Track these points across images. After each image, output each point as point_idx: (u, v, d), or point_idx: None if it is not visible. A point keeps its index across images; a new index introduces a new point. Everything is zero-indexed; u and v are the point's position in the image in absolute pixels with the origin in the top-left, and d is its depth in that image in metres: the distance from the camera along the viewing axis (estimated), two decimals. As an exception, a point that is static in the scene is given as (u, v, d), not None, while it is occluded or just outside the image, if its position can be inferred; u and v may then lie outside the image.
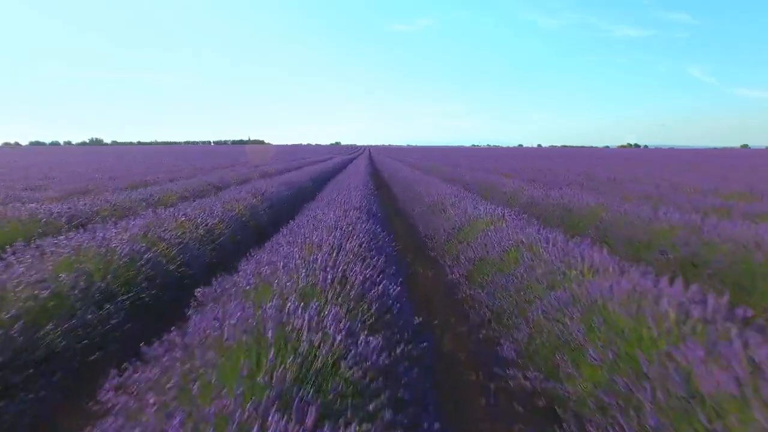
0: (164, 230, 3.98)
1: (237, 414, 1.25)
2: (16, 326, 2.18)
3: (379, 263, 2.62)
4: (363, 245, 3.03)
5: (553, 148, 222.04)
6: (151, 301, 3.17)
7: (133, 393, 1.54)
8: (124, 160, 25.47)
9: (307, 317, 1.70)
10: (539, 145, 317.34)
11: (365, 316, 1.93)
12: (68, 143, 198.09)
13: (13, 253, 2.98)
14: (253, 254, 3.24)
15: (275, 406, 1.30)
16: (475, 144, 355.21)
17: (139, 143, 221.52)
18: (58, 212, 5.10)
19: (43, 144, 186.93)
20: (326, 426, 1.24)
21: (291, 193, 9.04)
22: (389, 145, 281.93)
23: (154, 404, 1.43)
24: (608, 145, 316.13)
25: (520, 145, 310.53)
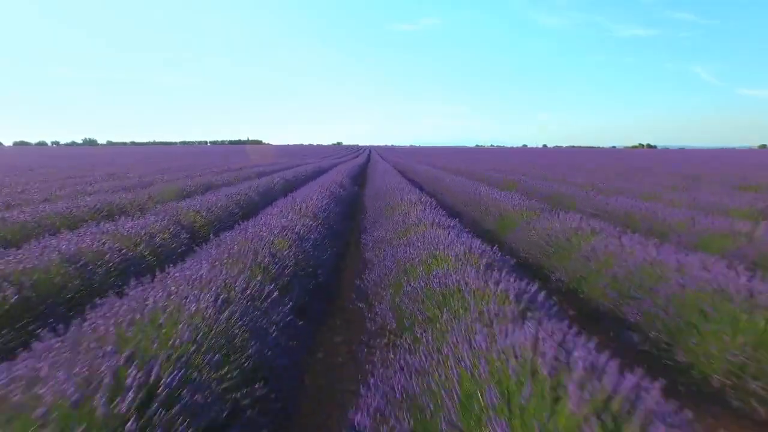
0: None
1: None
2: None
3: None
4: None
5: (558, 148, 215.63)
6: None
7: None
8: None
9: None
10: (544, 146, 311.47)
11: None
12: (56, 143, 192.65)
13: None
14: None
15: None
16: (479, 144, 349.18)
17: (133, 143, 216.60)
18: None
19: (28, 144, 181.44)
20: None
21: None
22: (392, 145, 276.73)
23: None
24: (615, 145, 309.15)
25: (525, 146, 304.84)
